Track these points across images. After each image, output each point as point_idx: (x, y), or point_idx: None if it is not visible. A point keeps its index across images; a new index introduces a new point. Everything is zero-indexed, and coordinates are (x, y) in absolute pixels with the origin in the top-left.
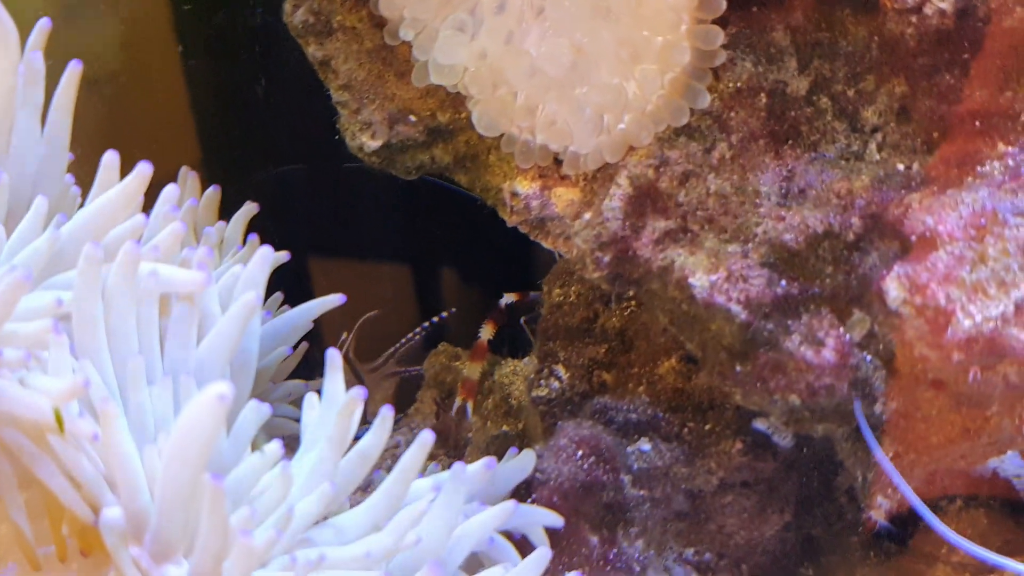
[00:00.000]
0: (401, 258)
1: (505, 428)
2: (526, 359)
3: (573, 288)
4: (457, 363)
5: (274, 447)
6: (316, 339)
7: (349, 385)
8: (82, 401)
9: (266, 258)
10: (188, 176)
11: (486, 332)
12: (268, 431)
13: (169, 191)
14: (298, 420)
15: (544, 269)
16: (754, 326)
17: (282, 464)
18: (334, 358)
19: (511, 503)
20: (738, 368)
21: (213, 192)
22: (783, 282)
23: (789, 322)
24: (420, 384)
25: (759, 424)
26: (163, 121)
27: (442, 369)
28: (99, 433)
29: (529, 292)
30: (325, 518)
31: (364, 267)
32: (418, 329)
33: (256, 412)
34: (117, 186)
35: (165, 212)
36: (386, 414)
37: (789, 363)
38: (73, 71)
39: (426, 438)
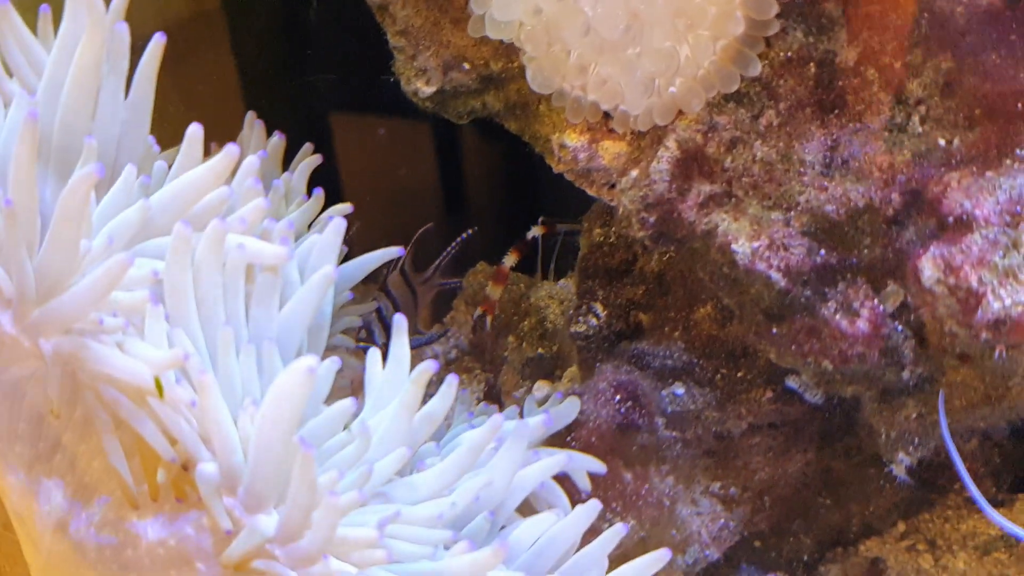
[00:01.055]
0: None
1: (540, 351)
2: (561, 282)
3: (613, 229)
4: None
5: (347, 404)
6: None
7: (403, 295)
8: (178, 368)
9: (339, 229)
10: (255, 125)
11: (509, 260)
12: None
13: (250, 163)
14: (349, 348)
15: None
16: (792, 293)
17: (360, 423)
18: (400, 323)
19: (564, 455)
20: (774, 330)
21: (278, 141)
22: (822, 251)
23: (826, 290)
24: (455, 294)
25: (791, 382)
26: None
27: (480, 288)
28: (196, 400)
29: (556, 224)
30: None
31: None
32: (454, 244)
33: (330, 370)
34: (206, 165)
35: (250, 185)
36: (452, 381)
37: (824, 330)
38: (157, 43)
39: (497, 421)
